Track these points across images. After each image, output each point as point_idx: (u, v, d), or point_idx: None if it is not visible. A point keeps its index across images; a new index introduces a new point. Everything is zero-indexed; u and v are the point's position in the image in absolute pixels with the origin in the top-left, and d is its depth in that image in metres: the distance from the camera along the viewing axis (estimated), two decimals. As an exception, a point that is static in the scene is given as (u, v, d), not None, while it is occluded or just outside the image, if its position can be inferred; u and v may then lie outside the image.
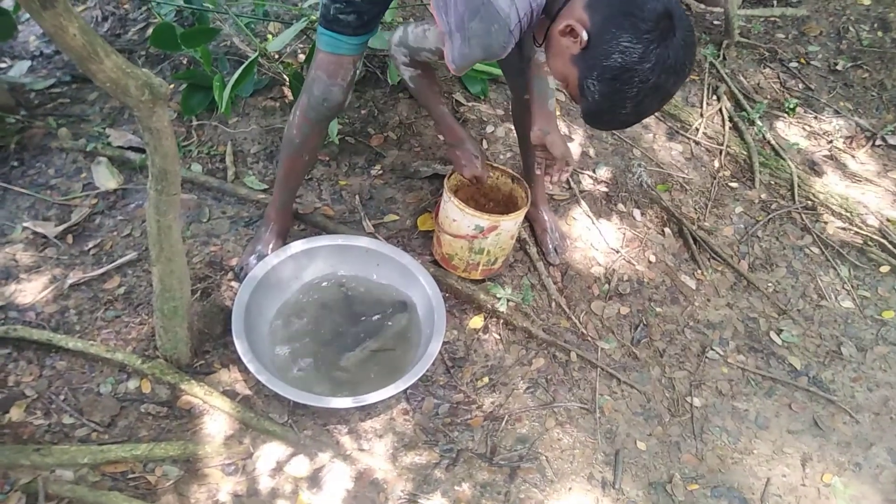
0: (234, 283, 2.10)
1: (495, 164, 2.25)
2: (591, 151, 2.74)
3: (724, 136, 2.97)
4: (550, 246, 2.36)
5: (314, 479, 1.77)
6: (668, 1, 1.27)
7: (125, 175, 2.33)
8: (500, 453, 1.91)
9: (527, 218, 2.37)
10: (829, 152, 3.05)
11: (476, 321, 2.17)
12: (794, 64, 3.37)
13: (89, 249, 2.13)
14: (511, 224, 2.08)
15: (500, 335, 2.17)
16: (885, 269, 2.65)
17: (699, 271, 2.50)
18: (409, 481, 1.81)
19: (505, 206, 2.27)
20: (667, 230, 2.59)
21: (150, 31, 2.71)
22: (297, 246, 2.09)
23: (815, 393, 2.24)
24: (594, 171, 2.67)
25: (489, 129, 2.66)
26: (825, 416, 2.20)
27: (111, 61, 1.26)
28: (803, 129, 3.13)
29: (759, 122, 3.04)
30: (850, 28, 3.52)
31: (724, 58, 3.30)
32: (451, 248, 2.14)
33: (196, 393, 1.85)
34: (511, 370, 2.10)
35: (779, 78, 3.31)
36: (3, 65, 2.75)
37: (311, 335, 2.03)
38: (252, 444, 1.81)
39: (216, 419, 1.84)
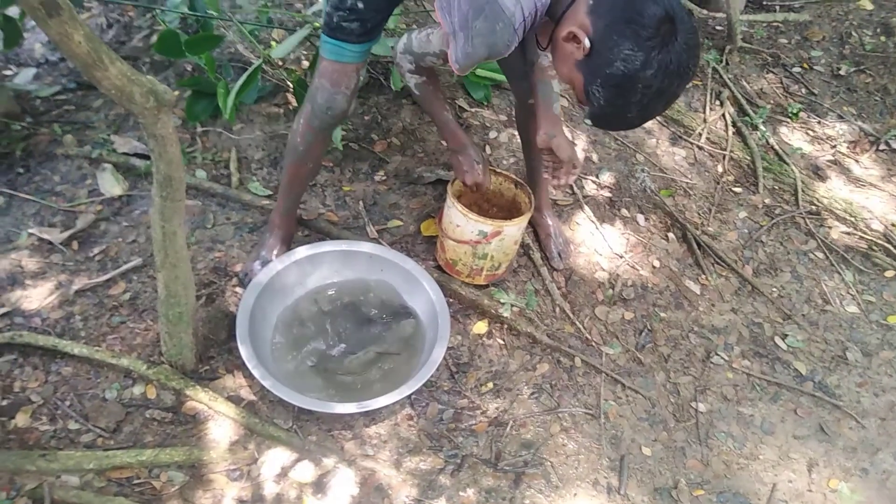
0: (238, 289, 2.11)
1: (499, 170, 2.25)
2: (595, 157, 2.74)
3: (727, 140, 2.97)
4: (554, 251, 2.36)
5: (319, 485, 1.77)
6: (668, 4, 1.27)
7: (130, 181, 2.34)
8: (505, 459, 1.91)
9: (531, 223, 2.37)
10: (832, 157, 3.05)
11: (480, 326, 2.17)
12: (797, 69, 3.37)
13: (94, 255, 2.14)
14: (515, 229, 2.08)
15: (504, 340, 2.17)
16: (889, 273, 2.64)
17: (703, 276, 2.50)
18: (413, 487, 1.81)
19: (508, 211, 2.28)
20: (671, 235, 2.59)
21: (154, 38, 2.73)
22: (301, 252, 2.10)
23: (820, 398, 2.24)
24: (597, 177, 2.68)
25: (492, 134, 2.67)
26: (831, 422, 2.20)
27: (116, 68, 1.26)
28: (807, 133, 3.13)
29: (762, 127, 3.04)
30: (853, 33, 3.53)
31: (727, 63, 3.30)
32: (455, 253, 2.14)
33: (201, 398, 1.85)
34: (515, 375, 2.10)
35: (782, 83, 3.31)
36: (9, 72, 2.76)
37: (315, 340, 2.03)
38: (257, 450, 1.81)
39: (221, 425, 1.84)
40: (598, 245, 2.48)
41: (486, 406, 2.01)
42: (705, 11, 3.42)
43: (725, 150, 2.94)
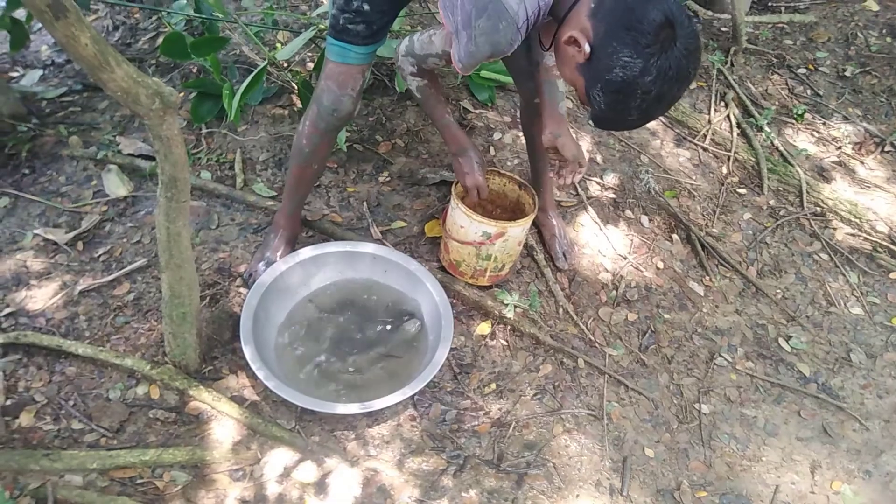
0: (242, 290, 2.11)
1: (502, 171, 2.25)
2: (599, 158, 2.74)
3: (732, 142, 2.97)
4: (559, 251, 2.36)
5: (321, 485, 1.78)
6: (668, 8, 1.27)
7: (135, 182, 2.35)
8: (508, 460, 1.91)
9: (535, 223, 2.38)
10: (837, 158, 3.04)
11: (483, 327, 2.18)
12: (802, 70, 3.36)
13: (99, 256, 2.15)
14: (518, 230, 2.08)
15: (507, 341, 2.17)
16: (894, 275, 2.63)
17: (707, 278, 2.50)
18: (416, 487, 1.81)
19: (512, 212, 2.28)
20: (675, 236, 2.59)
21: (160, 40, 2.74)
22: (305, 252, 2.10)
23: (824, 400, 2.23)
24: (602, 178, 2.68)
25: (496, 135, 2.67)
26: (834, 424, 2.19)
27: (122, 70, 1.27)
28: (812, 135, 3.12)
29: (767, 129, 3.04)
30: (859, 34, 3.52)
31: (732, 64, 3.30)
32: (459, 254, 2.15)
33: (204, 399, 1.85)
34: (518, 376, 2.10)
35: (787, 84, 3.30)
36: (16, 74, 2.78)
37: (318, 341, 2.04)
38: (260, 450, 1.81)
39: (224, 425, 1.85)
40: (602, 246, 2.47)
41: (489, 407, 2.02)
42: (710, 13, 3.42)
43: (730, 151, 2.94)
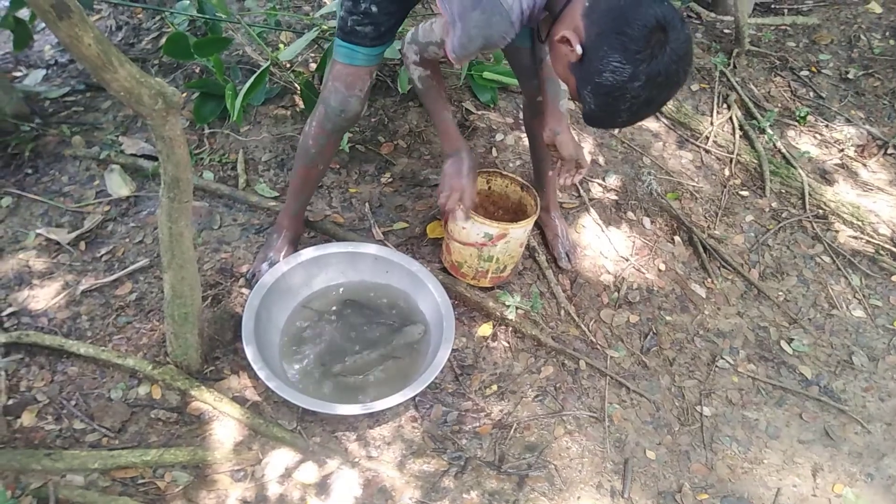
0: (244, 290, 2.11)
1: (504, 172, 2.25)
2: (601, 159, 2.74)
3: (734, 144, 2.96)
4: (562, 251, 2.36)
5: (322, 486, 1.78)
6: (661, 12, 1.27)
7: (138, 182, 2.35)
8: (509, 461, 1.91)
9: (537, 223, 2.38)
10: (840, 161, 3.04)
11: (485, 329, 2.18)
12: (804, 72, 3.36)
13: (101, 256, 2.15)
14: (520, 232, 2.08)
15: (508, 343, 2.17)
16: (897, 278, 2.63)
17: (709, 280, 2.50)
18: (417, 489, 1.81)
19: (514, 213, 2.28)
20: (677, 238, 2.58)
21: (163, 40, 2.74)
22: (307, 253, 2.10)
23: (826, 402, 2.23)
24: (604, 179, 2.67)
25: (498, 137, 2.67)
26: (836, 426, 2.19)
27: (125, 70, 1.27)
28: (814, 137, 3.12)
29: (769, 131, 3.03)
30: (862, 36, 3.52)
31: (735, 66, 3.29)
32: (461, 255, 2.15)
33: (206, 399, 1.86)
34: (520, 378, 2.10)
35: (789, 86, 3.30)
36: (19, 73, 2.79)
37: (320, 342, 2.04)
38: (261, 451, 1.81)
39: (225, 425, 1.85)
40: (604, 248, 2.47)
41: (491, 408, 2.01)
42: (713, 14, 3.42)
43: (732, 153, 2.93)
